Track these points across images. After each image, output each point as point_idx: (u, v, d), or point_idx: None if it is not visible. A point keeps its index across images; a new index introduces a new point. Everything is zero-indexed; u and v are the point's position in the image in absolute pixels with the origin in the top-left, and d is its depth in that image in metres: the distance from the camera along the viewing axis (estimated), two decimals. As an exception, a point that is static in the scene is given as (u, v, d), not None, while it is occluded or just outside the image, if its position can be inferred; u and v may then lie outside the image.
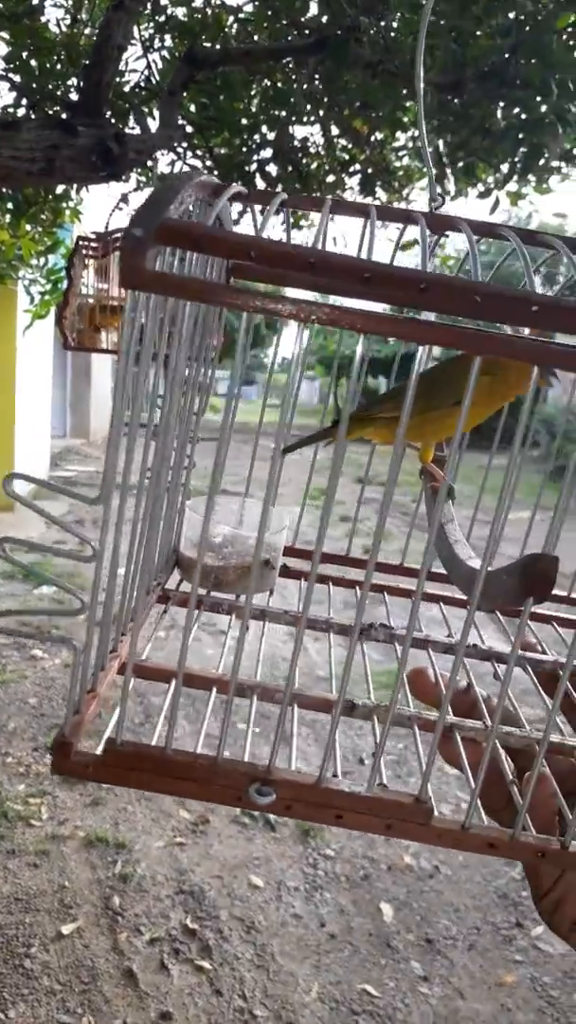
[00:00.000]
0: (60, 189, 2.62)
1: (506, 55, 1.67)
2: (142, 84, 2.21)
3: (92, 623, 0.34)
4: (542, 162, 1.79)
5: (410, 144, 2.47)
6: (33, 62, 2.15)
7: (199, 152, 2.34)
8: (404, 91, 1.89)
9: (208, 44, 2.05)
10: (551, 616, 0.57)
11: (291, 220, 0.52)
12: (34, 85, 2.09)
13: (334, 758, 0.35)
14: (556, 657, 0.51)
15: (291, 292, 0.29)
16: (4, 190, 2.42)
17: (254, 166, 2.26)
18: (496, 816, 0.40)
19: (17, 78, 2.07)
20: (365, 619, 0.50)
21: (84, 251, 2.39)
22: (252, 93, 2.27)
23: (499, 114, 1.78)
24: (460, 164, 2.05)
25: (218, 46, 1.95)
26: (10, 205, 2.52)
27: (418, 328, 0.29)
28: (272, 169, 2.31)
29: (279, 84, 2.17)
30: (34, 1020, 1.78)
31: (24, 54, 2.13)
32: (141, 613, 0.39)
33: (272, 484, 0.34)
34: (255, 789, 0.32)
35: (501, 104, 1.75)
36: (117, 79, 2.03)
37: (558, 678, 0.47)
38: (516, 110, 1.78)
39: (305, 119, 2.31)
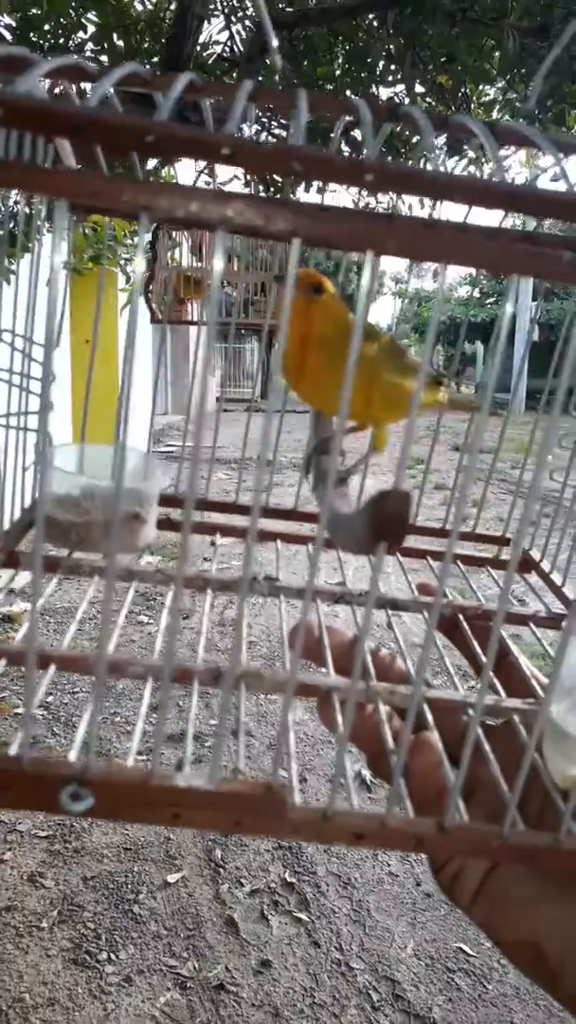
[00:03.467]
0: (150, 165, 2.67)
1: (596, -8, 1.60)
2: (224, 54, 2.23)
3: None
4: None
5: (500, 98, 2.39)
6: (120, 42, 2.19)
7: (283, 120, 2.34)
8: (488, 40, 1.84)
9: (289, 9, 2.05)
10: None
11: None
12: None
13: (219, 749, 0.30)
14: (452, 600, 0.46)
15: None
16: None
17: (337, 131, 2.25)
18: None
19: (104, 59, 2.12)
20: (264, 571, 0.44)
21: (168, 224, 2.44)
22: (335, 55, 2.25)
23: (589, 56, 1.71)
24: (550, 113, 1.98)
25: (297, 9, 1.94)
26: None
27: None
28: (356, 133, 2.28)
29: (361, 44, 2.14)
30: (143, 962, 1.88)
31: (112, 35, 2.18)
32: None
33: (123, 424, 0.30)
34: (69, 793, 0.27)
35: (591, 45, 1.68)
36: (200, 51, 2.05)
37: (458, 624, 0.44)
38: (608, 50, 1.70)
39: (389, 78, 2.27)
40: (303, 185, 2.20)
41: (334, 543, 0.35)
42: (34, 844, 2.23)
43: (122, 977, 1.83)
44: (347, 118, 0.41)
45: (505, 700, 0.37)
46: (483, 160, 2.22)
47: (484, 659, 0.41)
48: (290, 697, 0.28)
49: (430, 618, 0.42)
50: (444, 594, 0.45)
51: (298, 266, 0.24)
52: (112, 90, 0.34)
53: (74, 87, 0.36)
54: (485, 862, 0.36)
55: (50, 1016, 1.71)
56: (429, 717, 0.35)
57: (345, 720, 0.29)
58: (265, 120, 1.78)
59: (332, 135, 0.45)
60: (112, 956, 1.89)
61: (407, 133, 2.16)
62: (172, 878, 2.14)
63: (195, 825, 0.29)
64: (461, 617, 0.44)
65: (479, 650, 0.42)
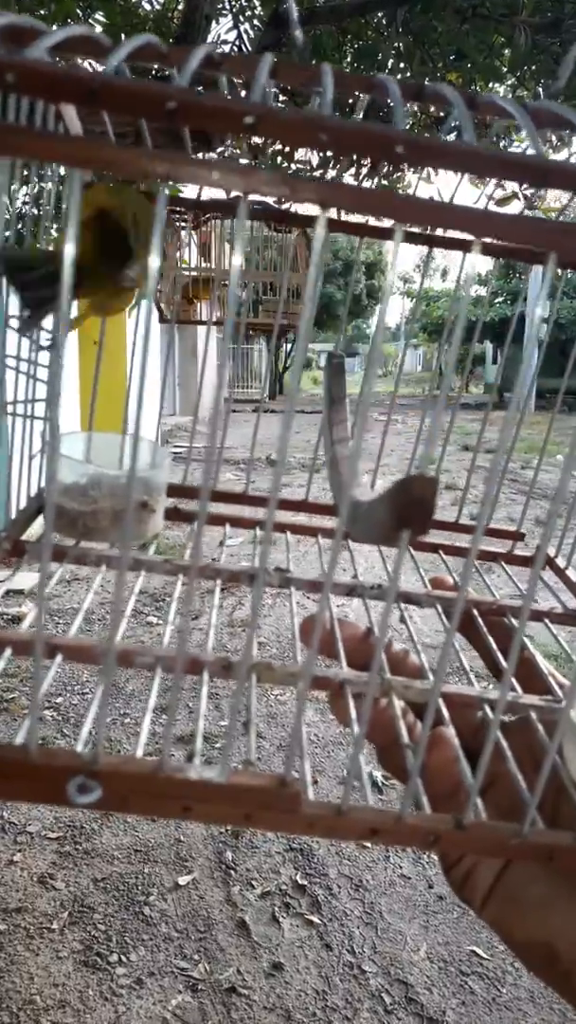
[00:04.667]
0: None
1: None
2: (233, 53, 2.23)
3: None
4: None
5: (509, 95, 2.38)
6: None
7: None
8: (498, 37, 1.83)
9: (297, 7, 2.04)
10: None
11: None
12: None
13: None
14: (466, 594, 0.43)
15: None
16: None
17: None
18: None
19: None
20: (270, 562, 0.42)
21: (176, 222, 2.43)
22: (344, 54, 2.25)
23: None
24: (561, 108, 1.97)
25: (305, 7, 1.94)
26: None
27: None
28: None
29: (370, 42, 2.13)
30: (153, 964, 1.87)
31: (120, 35, 2.18)
32: None
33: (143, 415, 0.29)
34: (76, 785, 0.26)
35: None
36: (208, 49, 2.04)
37: (473, 619, 0.43)
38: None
39: (399, 76, 2.26)
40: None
41: (351, 535, 0.34)
42: (44, 845, 2.23)
43: (133, 979, 1.82)
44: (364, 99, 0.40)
45: (523, 696, 0.36)
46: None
47: (499, 654, 0.41)
48: (305, 688, 0.27)
49: (452, 615, 0.41)
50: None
51: (323, 243, 0.23)
52: (126, 69, 0.32)
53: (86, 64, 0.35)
54: (499, 860, 0.35)
55: (61, 1018, 1.71)
56: (445, 713, 0.34)
57: (361, 716, 0.28)
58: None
59: (355, 114, 0.44)
60: (123, 958, 1.88)
61: (420, 125, 2.16)
62: (183, 880, 2.13)
63: (206, 819, 0.28)
64: (476, 612, 0.43)
65: (494, 645, 0.41)
